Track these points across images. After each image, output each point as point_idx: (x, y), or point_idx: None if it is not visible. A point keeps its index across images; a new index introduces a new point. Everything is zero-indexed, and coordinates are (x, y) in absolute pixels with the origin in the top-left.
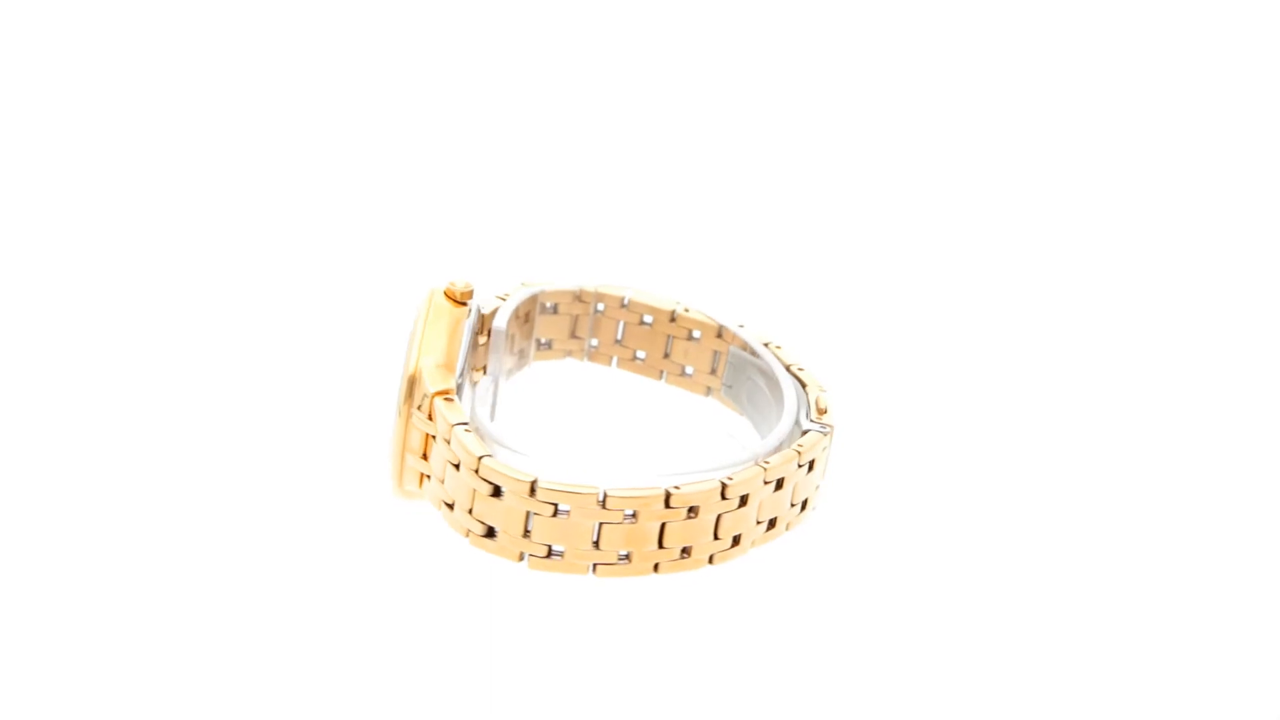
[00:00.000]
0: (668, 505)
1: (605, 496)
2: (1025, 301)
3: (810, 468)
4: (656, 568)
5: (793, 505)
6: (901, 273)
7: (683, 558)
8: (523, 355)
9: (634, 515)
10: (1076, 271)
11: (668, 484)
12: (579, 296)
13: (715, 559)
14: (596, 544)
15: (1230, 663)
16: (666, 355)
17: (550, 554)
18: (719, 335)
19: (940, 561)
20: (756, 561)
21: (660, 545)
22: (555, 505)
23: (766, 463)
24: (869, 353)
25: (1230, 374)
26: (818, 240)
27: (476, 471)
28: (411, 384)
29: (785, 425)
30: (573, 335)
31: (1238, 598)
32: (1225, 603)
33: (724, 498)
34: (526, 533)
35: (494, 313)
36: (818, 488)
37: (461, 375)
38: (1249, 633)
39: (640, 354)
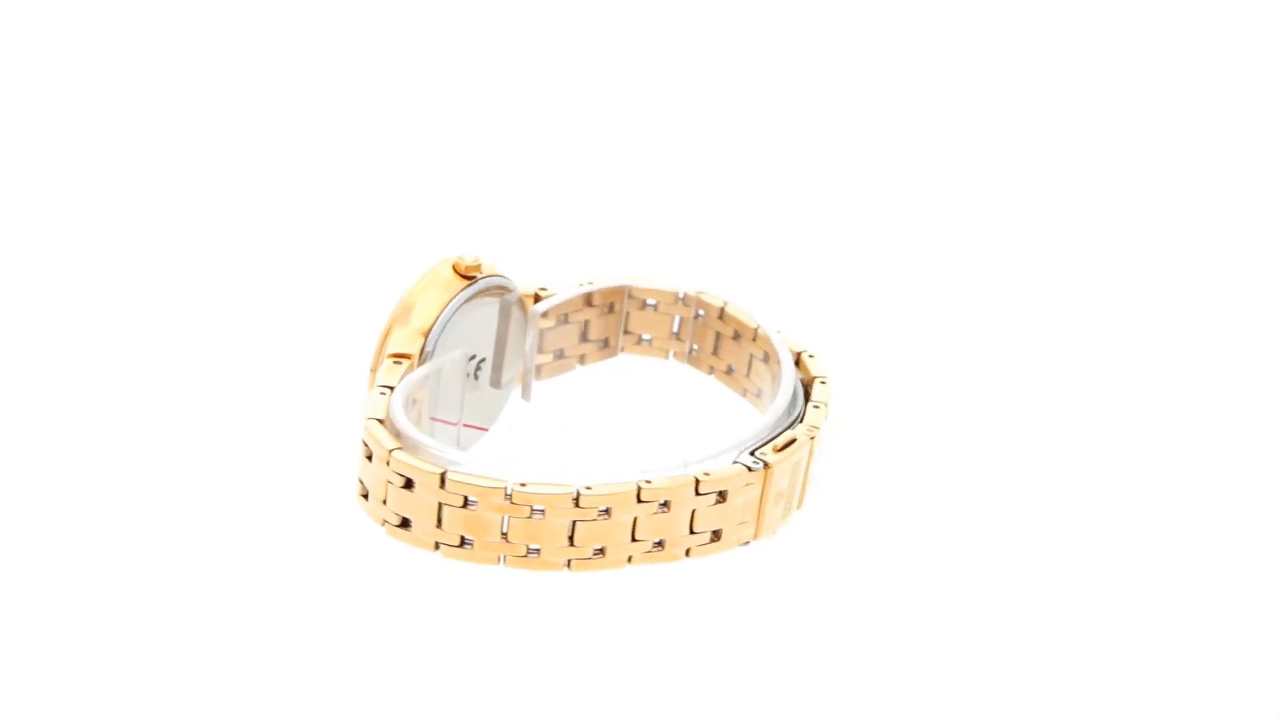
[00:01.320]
0: (576, 504)
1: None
2: (1023, 299)
3: (722, 498)
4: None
5: (694, 532)
6: (902, 272)
7: (596, 556)
8: (607, 345)
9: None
10: (1074, 269)
11: (580, 484)
12: (682, 300)
13: (633, 560)
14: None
15: (1229, 659)
16: (747, 374)
17: (463, 543)
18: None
19: (934, 558)
20: (749, 558)
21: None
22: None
23: (648, 480)
24: (870, 350)
25: (1229, 370)
26: (820, 239)
27: (388, 464)
28: (382, 341)
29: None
30: (673, 336)
31: (1235, 591)
32: (1222, 597)
33: (640, 500)
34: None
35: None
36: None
37: (434, 344)
38: (1246, 627)
39: (732, 367)
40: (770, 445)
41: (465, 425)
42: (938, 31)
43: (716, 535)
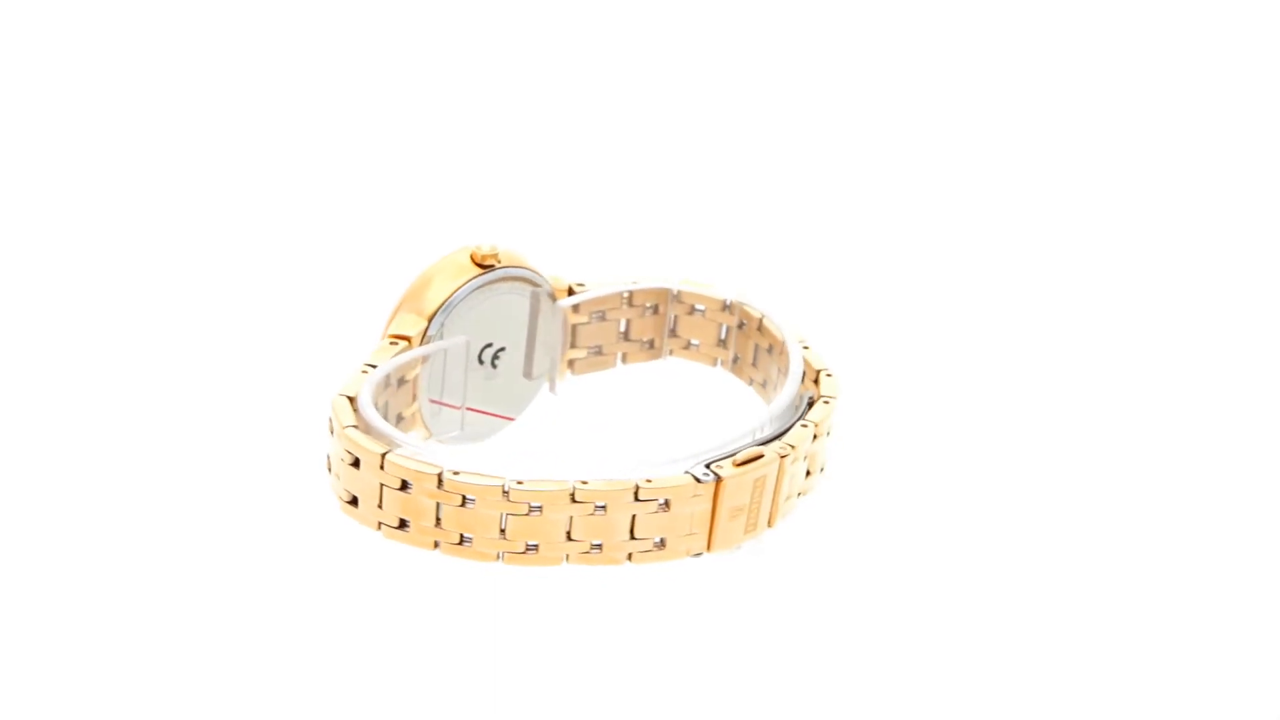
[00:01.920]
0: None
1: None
2: (1024, 298)
3: (666, 506)
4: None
5: (635, 538)
6: (902, 271)
7: (529, 552)
8: (652, 346)
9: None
10: (1075, 266)
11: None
12: (727, 307)
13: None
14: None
15: (1230, 659)
16: (777, 389)
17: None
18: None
19: (936, 559)
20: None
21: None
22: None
23: (584, 482)
24: (872, 347)
25: (1231, 370)
26: (825, 236)
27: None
28: (388, 322)
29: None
30: (719, 343)
31: (1237, 592)
32: (1221, 596)
33: (574, 500)
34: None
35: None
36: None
37: (438, 328)
38: (1247, 627)
39: (767, 380)
40: (730, 458)
41: (475, 410)
42: (953, 24)
43: (661, 544)
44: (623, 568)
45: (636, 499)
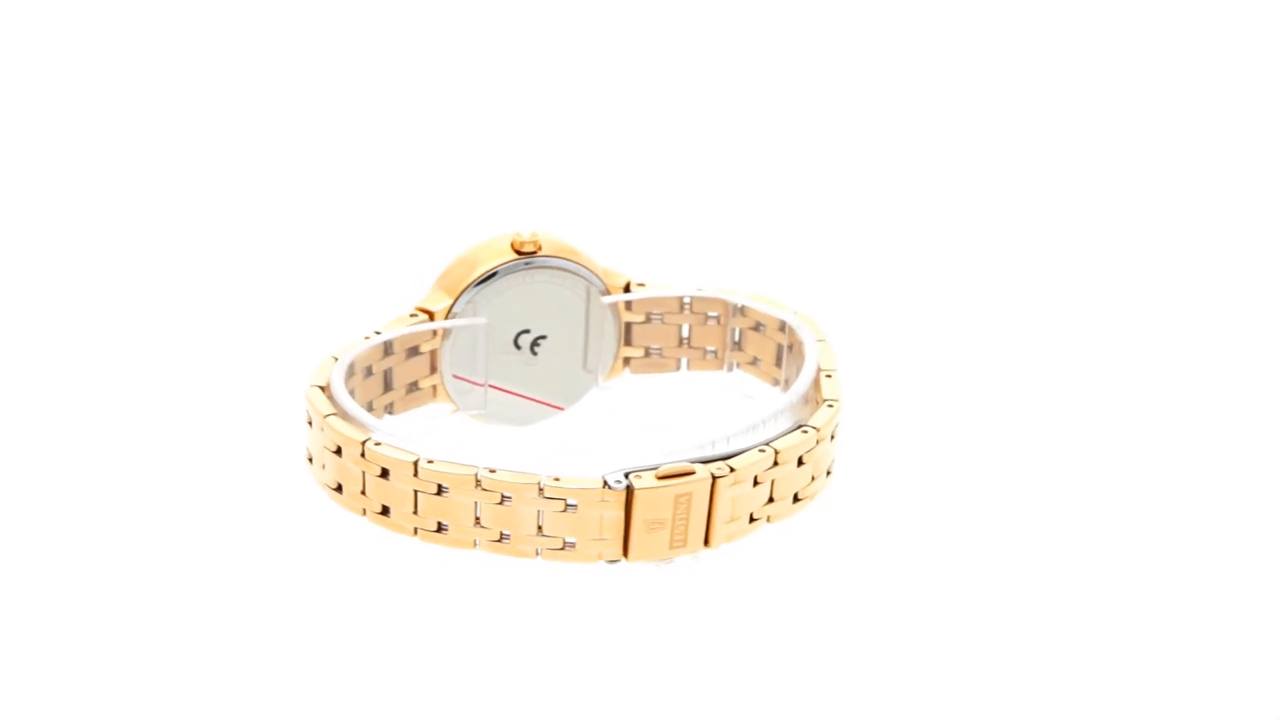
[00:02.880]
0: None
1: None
2: (1026, 297)
3: (574, 508)
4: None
5: (542, 534)
6: (903, 270)
7: (440, 532)
8: (716, 356)
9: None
10: (1080, 267)
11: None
12: (783, 328)
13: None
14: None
15: (1231, 659)
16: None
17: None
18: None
19: (936, 560)
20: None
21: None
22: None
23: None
24: (874, 344)
25: (1234, 372)
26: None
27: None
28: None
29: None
30: (776, 363)
31: (1240, 593)
32: (1227, 598)
33: (478, 487)
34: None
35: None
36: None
37: (463, 306)
38: (1251, 629)
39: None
40: (655, 470)
41: (507, 392)
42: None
43: (571, 545)
44: (537, 561)
45: (541, 495)
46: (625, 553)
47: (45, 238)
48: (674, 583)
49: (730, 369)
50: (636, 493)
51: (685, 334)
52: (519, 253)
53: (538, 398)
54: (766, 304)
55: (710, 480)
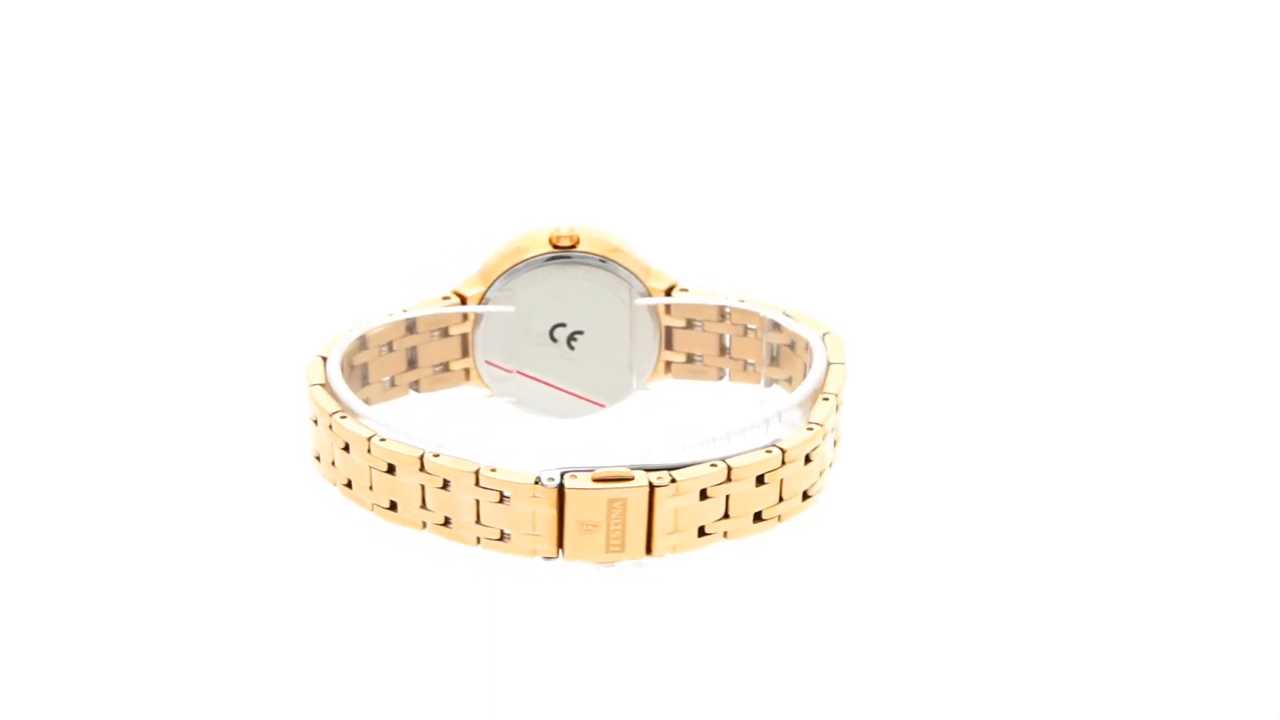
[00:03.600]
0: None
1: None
2: (1029, 297)
3: (506, 500)
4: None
5: (480, 523)
6: (904, 268)
7: (389, 510)
8: (754, 370)
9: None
10: (1081, 267)
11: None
12: (809, 348)
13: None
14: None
15: (1233, 660)
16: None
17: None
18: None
19: (938, 561)
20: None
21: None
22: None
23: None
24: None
25: (1244, 366)
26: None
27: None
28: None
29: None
30: None
31: (1246, 593)
32: (1230, 599)
33: (422, 469)
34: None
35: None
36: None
37: (495, 293)
38: (1250, 632)
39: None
40: (592, 472)
41: (533, 379)
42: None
43: (505, 536)
44: (478, 550)
45: (477, 484)
46: (560, 551)
47: (86, 232)
48: (612, 586)
49: (768, 384)
50: (568, 493)
51: (727, 344)
52: (556, 246)
53: (576, 392)
54: (800, 322)
55: (648, 489)
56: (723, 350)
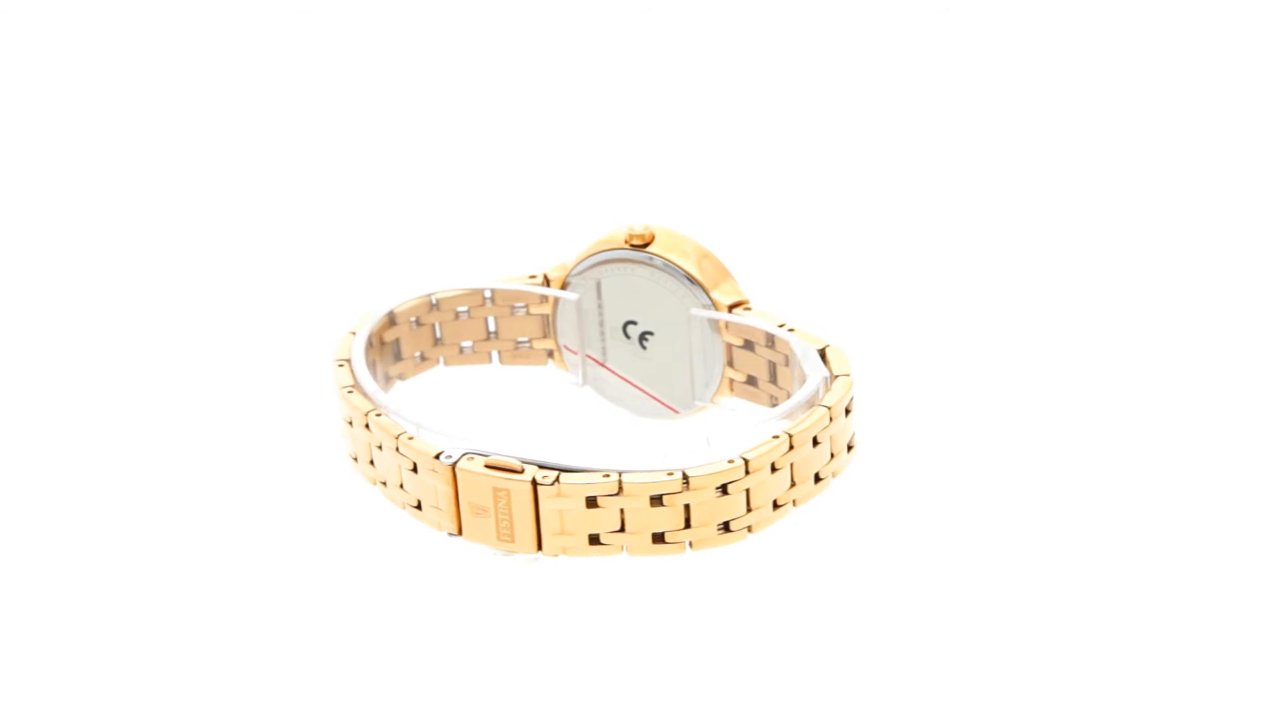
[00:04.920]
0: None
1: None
2: (1029, 296)
3: (416, 470)
4: None
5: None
6: (904, 267)
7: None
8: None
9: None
10: (1089, 263)
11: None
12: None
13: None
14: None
15: (1234, 661)
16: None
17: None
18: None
19: (936, 561)
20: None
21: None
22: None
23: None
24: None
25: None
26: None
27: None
28: None
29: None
30: None
31: (1248, 593)
32: (1233, 599)
33: (365, 425)
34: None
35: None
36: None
37: (570, 280)
38: (1250, 626)
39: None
40: (490, 458)
41: (609, 370)
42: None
43: (419, 505)
44: (405, 515)
45: (397, 450)
46: (458, 529)
47: (129, 227)
48: (509, 574)
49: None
50: (459, 472)
51: (774, 371)
52: (630, 243)
53: (650, 391)
54: (812, 356)
55: (532, 485)
56: (773, 377)
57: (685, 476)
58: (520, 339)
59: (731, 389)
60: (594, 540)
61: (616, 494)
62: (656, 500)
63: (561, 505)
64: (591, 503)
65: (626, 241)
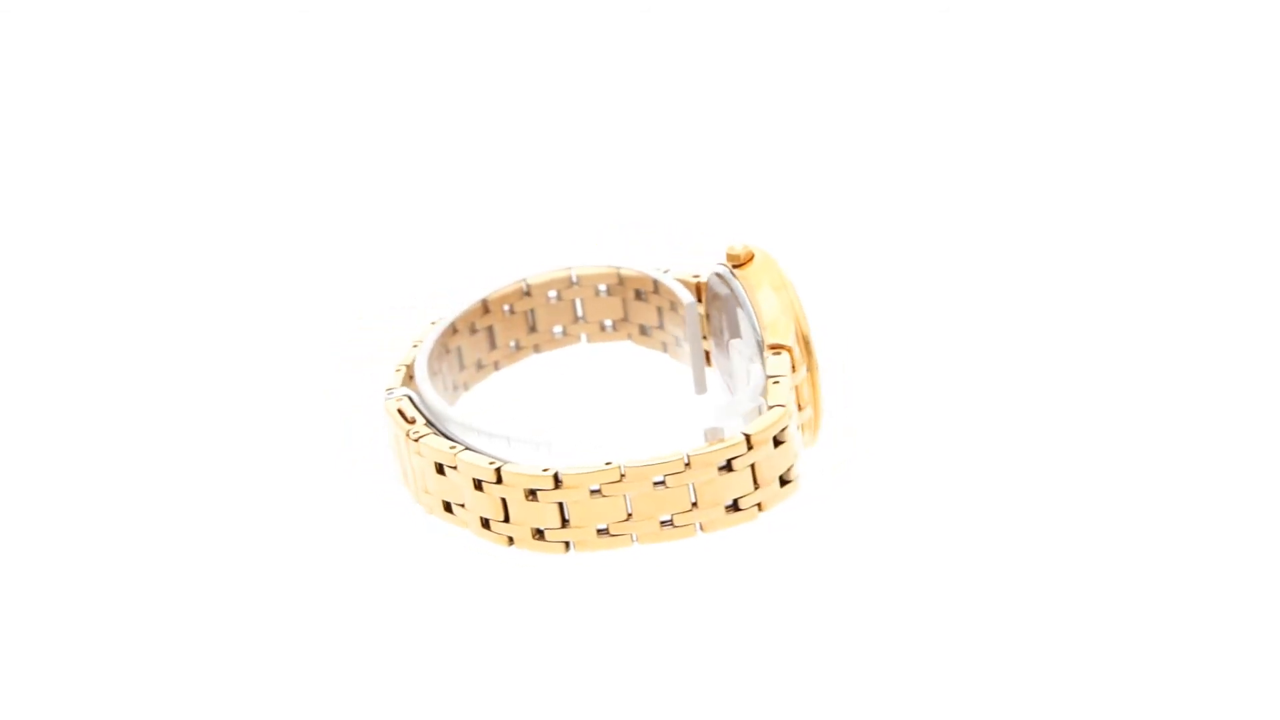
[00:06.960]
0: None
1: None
2: (1029, 296)
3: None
4: None
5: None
6: (905, 265)
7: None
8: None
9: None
10: (1082, 266)
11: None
12: None
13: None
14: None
15: (1237, 661)
16: None
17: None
18: None
19: (934, 561)
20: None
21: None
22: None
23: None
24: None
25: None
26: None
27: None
28: None
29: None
30: None
31: (1249, 594)
32: (1234, 600)
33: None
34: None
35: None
36: None
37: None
38: (1253, 633)
39: None
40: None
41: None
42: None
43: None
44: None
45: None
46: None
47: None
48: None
49: None
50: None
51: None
52: (730, 258)
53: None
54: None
55: (456, 473)
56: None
57: (555, 476)
58: (646, 324)
59: None
60: (485, 525)
61: (495, 482)
62: (531, 494)
63: (419, 465)
64: (440, 469)
65: (728, 258)
